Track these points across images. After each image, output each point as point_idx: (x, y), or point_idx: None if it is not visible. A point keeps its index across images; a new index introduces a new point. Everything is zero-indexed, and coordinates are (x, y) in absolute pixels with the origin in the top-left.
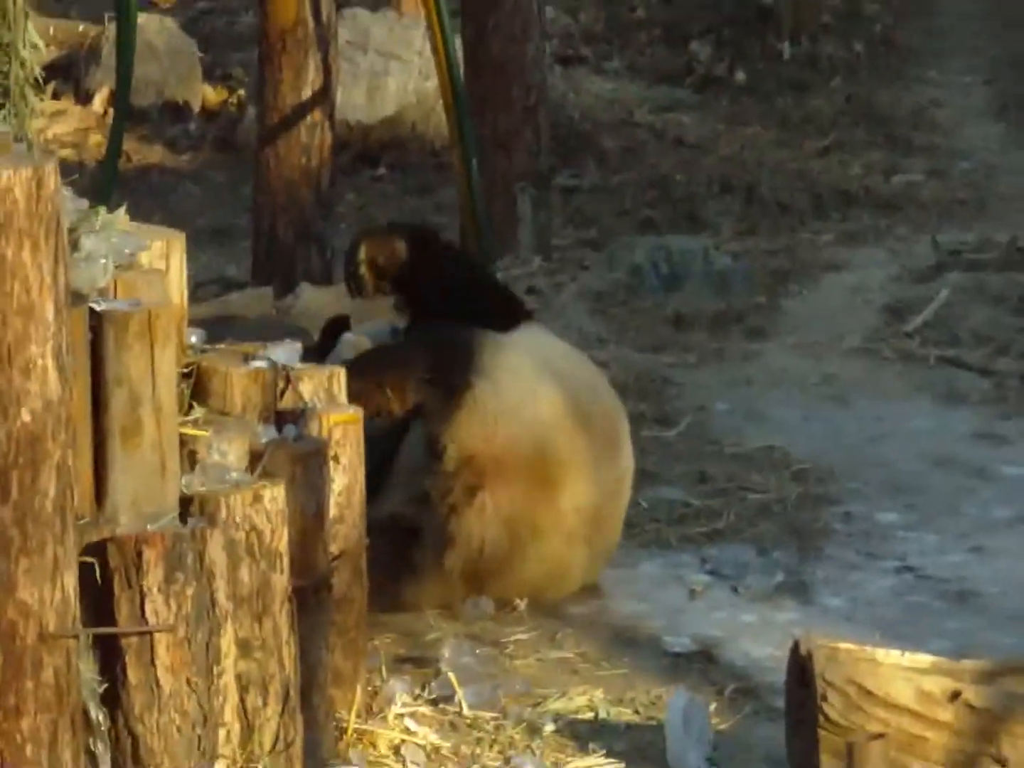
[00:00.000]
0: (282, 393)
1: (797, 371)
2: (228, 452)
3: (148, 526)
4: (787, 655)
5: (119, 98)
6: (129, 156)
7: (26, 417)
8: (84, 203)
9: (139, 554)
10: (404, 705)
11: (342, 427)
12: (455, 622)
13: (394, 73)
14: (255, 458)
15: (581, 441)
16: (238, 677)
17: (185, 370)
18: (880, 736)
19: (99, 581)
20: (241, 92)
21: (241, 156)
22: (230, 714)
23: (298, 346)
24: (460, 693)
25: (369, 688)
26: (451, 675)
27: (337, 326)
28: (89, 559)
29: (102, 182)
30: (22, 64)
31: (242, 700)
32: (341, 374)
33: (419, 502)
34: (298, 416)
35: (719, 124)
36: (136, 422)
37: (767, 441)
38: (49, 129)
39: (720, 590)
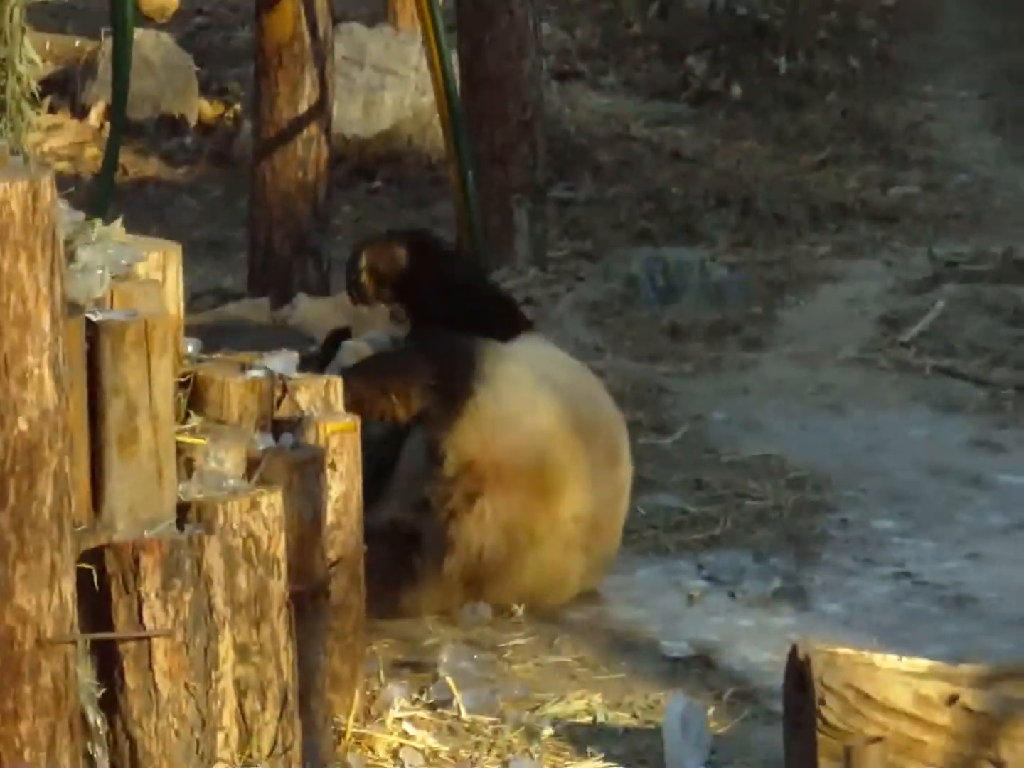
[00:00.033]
0: (279, 402)
1: (793, 381)
2: (225, 460)
3: (145, 533)
4: (785, 660)
5: (115, 112)
6: (125, 169)
7: (23, 426)
8: (80, 215)
9: (136, 560)
10: (402, 709)
11: (339, 435)
12: (453, 627)
13: (390, 88)
14: (252, 466)
15: (580, 450)
16: (236, 682)
17: (182, 379)
18: (878, 740)
19: (97, 587)
20: (237, 106)
21: (237, 170)
22: (228, 719)
23: (295, 356)
24: (458, 697)
25: (367, 692)
26: (449, 679)
27: (339, 338)
28: (87, 565)
29: (98, 195)
30: (19, 79)
31: (240, 705)
32: (338, 383)
33: (418, 508)
34: (295, 424)
35: (715, 138)
36: (133, 431)
37: (764, 449)
38: (45, 143)
39: (717, 596)
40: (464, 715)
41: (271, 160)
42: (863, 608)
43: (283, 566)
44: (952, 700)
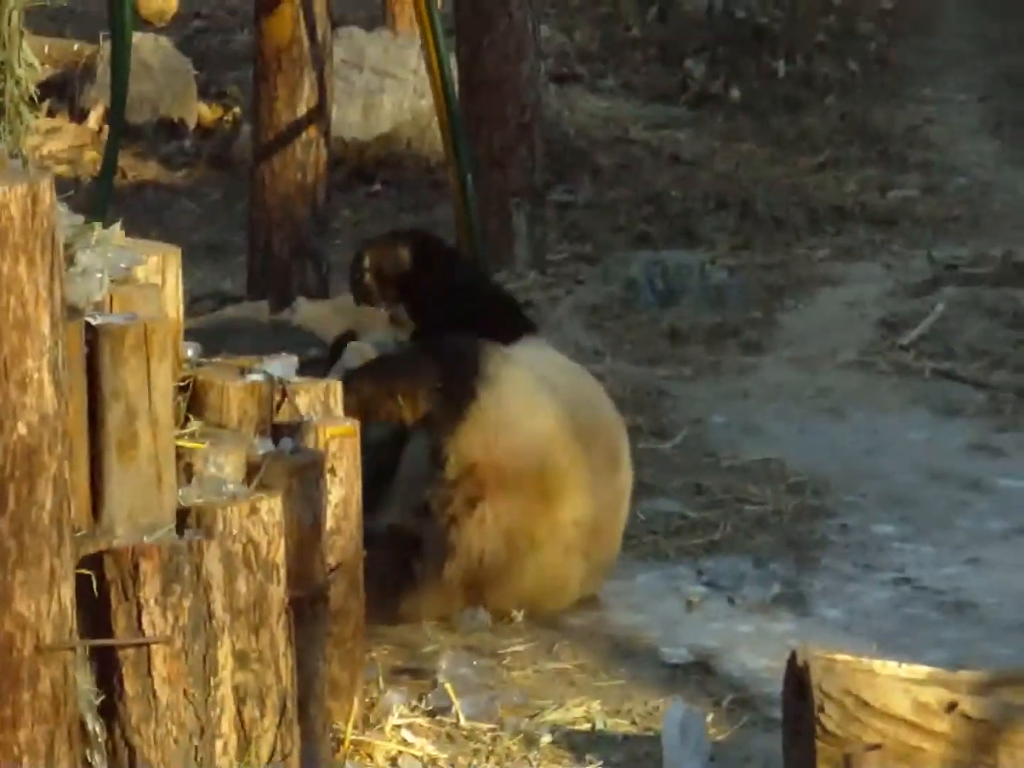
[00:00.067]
0: (278, 406)
1: (793, 384)
2: (224, 465)
3: (145, 538)
4: (784, 666)
5: (114, 115)
6: (124, 173)
7: (22, 430)
8: (80, 219)
9: (136, 566)
10: (401, 716)
11: (339, 440)
12: (452, 634)
13: (389, 91)
14: (252, 470)
15: (581, 454)
16: (235, 689)
17: (181, 383)
18: (877, 747)
19: (96, 593)
20: (236, 110)
21: (236, 173)
22: (227, 725)
23: (294, 360)
24: (457, 704)
25: (366, 699)
26: (448, 686)
27: (344, 341)
28: (86, 571)
29: (97, 198)
30: (17, 82)
31: (239, 711)
32: (337, 387)
33: (419, 513)
34: (295, 429)
35: (714, 141)
36: (132, 435)
37: (763, 453)
38: (44, 146)
39: (717, 601)
40: (463, 722)
41: (270, 163)
42: (863, 614)
43: (282, 572)
44: (951, 707)
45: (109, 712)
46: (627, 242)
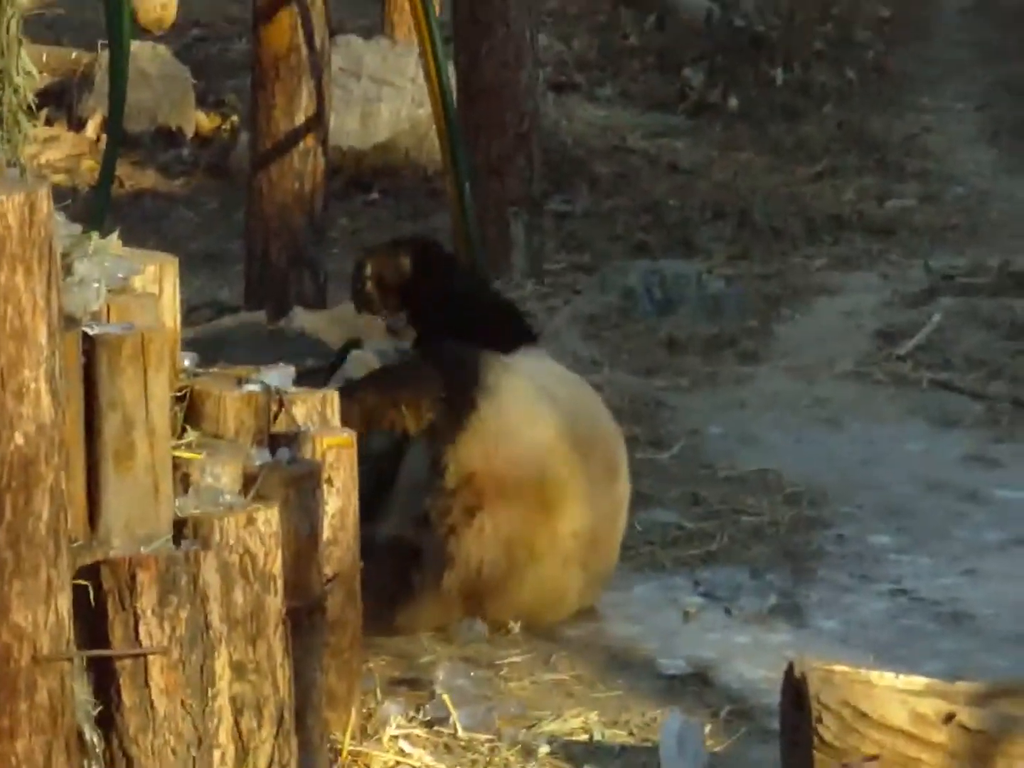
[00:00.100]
0: (275, 416)
1: (790, 394)
2: (221, 475)
3: (142, 549)
4: (781, 677)
5: (112, 124)
6: (122, 181)
7: (19, 440)
8: (77, 228)
9: (133, 577)
10: (399, 727)
11: (336, 450)
12: (449, 645)
13: (387, 100)
14: (249, 481)
15: (580, 465)
16: (232, 699)
17: (178, 393)
18: (875, 758)
19: (93, 604)
20: (234, 118)
21: (234, 182)
22: (224, 736)
23: (291, 369)
24: (455, 715)
25: (364, 710)
26: (445, 697)
27: (350, 349)
28: (83, 582)
29: (95, 207)
30: (15, 91)
31: (237, 722)
32: (335, 398)
33: (418, 523)
34: (292, 439)
35: (712, 150)
36: (129, 445)
37: (760, 464)
38: (42, 155)
39: (714, 612)
40: (460, 733)
41: (268, 172)
42: (859, 625)
43: (279, 582)
44: (949, 718)
45: (106, 723)
46: (625, 251)
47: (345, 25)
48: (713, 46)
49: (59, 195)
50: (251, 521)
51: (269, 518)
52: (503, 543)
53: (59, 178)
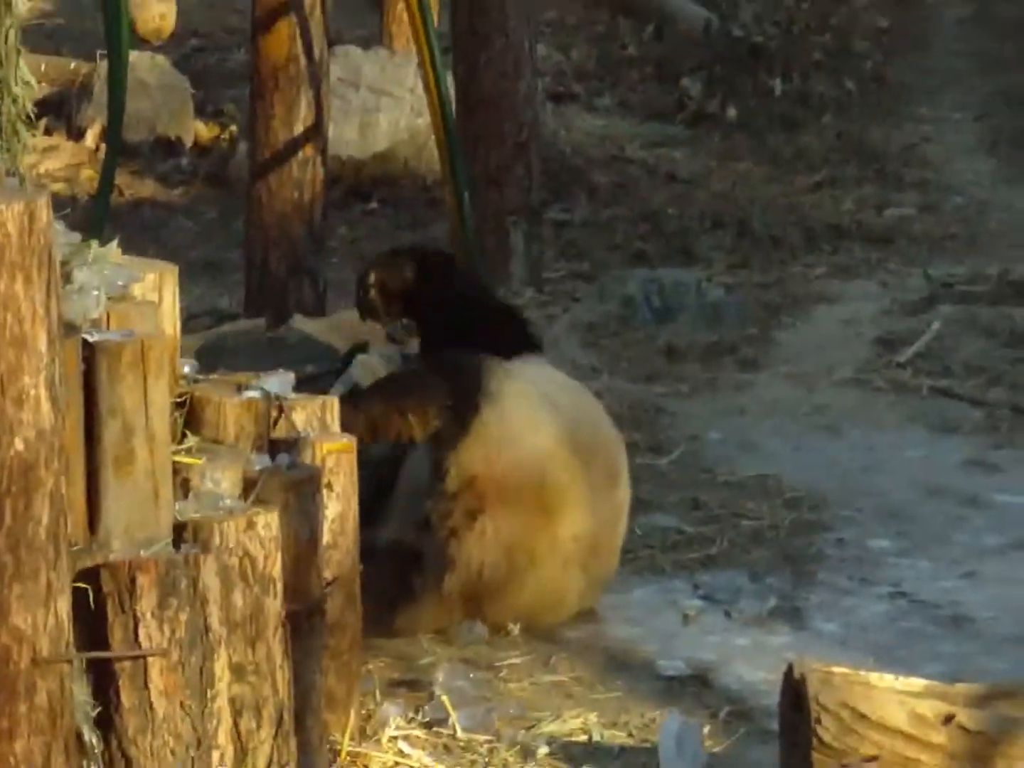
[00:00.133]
0: (275, 422)
1: (789, 401)
2: (221, 480)
3: (141, 552)
4: (780, 679)
5: (111, 133)
6: (121, 191)
7: (19, 446)
8: (77, 237)
9: (132, 580)
10: (398, 728)
11: (335, 455)
12: (449, 646)
13: (386, 109)
14: (249, 486)
15: (580, 470)
16: (232, 701)
17: (178, 400)
18: (874, 759)
19: (92, 606)
20: (233, 128)
21: (233, 191)
22: (224, 737)
23: (291, 376)
24: (454, 716)
25: (363, 711)
26: (445, 698)
27: (356, 353)
28: (83, 585)
29: (94, 216)
30: (14, 100)
31: (236, 724)
32: (334, 404)
33: (419, 527)
34: (291, 444)
35: (711, 160)
36: (129, 451)
37: (760, 469)
38: (41, 164)
39: (713, 615)
40: (459, 734)
41: (267, 181)
42: (859, 627)
43: (279, 585)
44: (948, 719)
45: (106, 724)
46: (624, 260)
47: (344, 35)
48: (712, 56)
49: (58, 204)
50: (251, 525)
51: (269, 522)
52: (504, 546)
53: (58, 187)
